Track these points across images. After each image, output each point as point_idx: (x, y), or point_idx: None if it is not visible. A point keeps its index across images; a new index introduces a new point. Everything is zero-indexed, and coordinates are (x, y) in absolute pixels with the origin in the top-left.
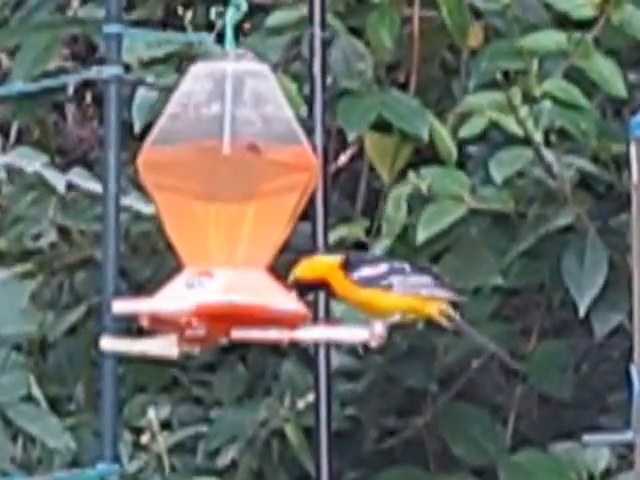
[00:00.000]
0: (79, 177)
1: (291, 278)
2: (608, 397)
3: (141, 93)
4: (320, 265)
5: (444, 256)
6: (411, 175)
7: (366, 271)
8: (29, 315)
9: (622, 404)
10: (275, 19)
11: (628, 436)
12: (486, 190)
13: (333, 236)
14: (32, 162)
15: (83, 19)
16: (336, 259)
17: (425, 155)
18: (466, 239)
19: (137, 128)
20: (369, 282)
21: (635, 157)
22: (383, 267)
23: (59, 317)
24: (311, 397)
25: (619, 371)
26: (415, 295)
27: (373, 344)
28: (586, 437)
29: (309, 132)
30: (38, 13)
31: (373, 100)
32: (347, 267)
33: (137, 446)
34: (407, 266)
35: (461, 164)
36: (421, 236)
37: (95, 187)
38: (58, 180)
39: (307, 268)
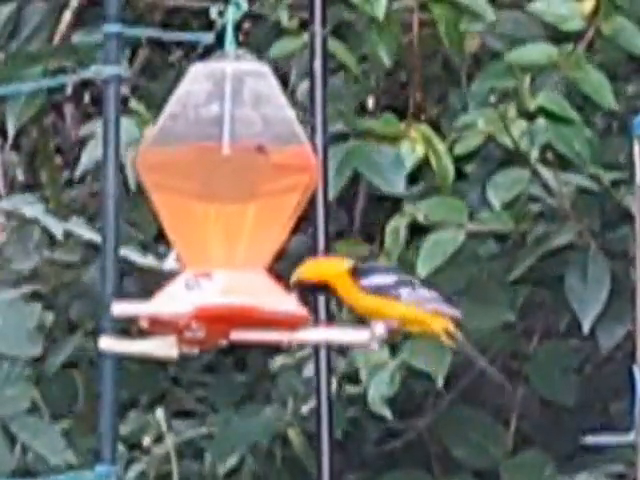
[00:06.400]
0: (77, 227)
1: (294, 278)
2: (611, 399)
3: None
4: (325, 268)
5: (457, 297)
6: (408, 206)
7: (376, 279)
8: (35, 337)
9: (625, 406)
10: (277, 49)
11: (630, 438)
12: (484, 213)
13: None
14: (32, 207)
15: (75, 46)
16: (343, 263)
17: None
18: (476, 278)
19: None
20: (378, 290)
21: (638, 156)
22: (392, 277)
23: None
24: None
25: (622, 373)
26: (421, 308)
27: (373, 346)
28: (588, 438)
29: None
30: (31, 43)
31: (348, 151)
32: (356, 273)
33: (139, 449)
34: (415, 280)
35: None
36: (422, 271)
37: (94, 237)
38: (56, 227)
39: (311, 269)
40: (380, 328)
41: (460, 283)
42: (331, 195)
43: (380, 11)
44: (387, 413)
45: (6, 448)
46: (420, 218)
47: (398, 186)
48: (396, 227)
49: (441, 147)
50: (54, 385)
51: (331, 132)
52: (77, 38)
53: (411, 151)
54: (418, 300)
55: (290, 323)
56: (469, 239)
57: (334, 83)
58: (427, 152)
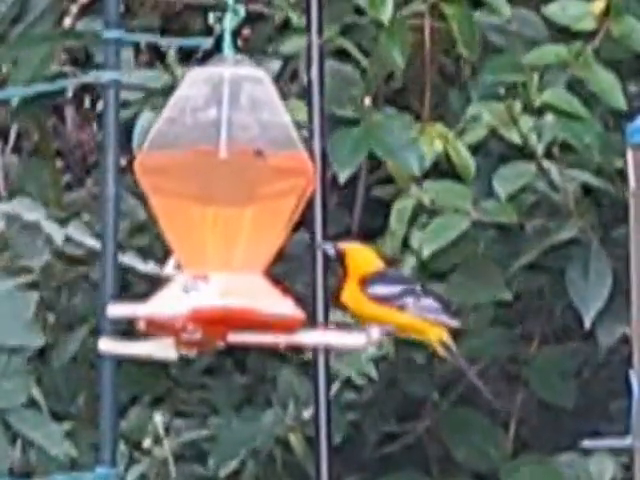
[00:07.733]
0: (77, 232)
1: (340, 246)
2: (609, 403)
3: (145, 117)
4: (368, 255)
5: (452, 274)
6: (414, 188)
7: (382, 289)
8: (33, 326)
9: (622, 409)
10: (288, 46)
11: (627, 441)
12: (489, 203)
13: None
14: (32, 213)
15: (80, 32)
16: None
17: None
18: (472, 255)
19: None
20: (385, 300)
21: (632, 164)
22: (398, 287)
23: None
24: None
25: (619, 377)
26: (423, 318)
27: (370, 350)
28: (586, 442)
29: (307, 137)
30: (36, 27)
31: (363, 132)
32: (364, 281)
33: (140, 450)
34: (418, 287)
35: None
36: (426, 251)
37: (93, 243)
38: (56, 232)
39: (360, 254)
40: (376, 332)
41: (456, 259)
42: (345, 176)
43: (386, 15)
44: (373, 373)
45: (5, 441)
46: (426, 201)
47: (413, 166)
48: (402, 208)
49: (458, 143)
50: (58, 383)
51: (342, 116)
52: (82, 25)
53: (430, 146)
54: (421, 310)
55: (287, 326)
56: (472, 227)
57: (346, 70)
58: (445, 147)
